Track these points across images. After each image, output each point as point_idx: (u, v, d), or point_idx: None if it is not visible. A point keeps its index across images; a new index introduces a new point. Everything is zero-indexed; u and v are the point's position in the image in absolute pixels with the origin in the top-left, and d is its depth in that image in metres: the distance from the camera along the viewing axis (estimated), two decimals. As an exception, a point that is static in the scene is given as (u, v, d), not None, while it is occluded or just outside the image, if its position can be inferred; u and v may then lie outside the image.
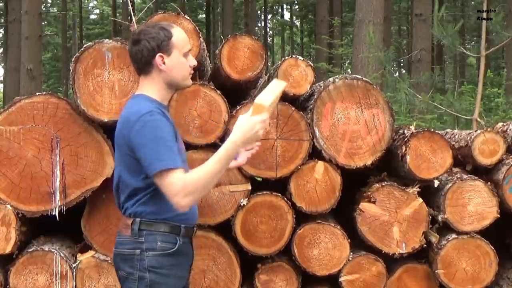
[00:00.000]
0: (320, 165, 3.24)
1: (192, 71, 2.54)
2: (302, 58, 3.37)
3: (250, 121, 2.32)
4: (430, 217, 3.35)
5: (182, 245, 2.43)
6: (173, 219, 2.41)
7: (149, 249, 2.37)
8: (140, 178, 2.38)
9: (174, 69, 2.45)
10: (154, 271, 2.37)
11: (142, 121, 2.31)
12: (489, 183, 3.43)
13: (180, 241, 2.42)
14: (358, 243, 3.36)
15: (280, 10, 34.16)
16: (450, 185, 3.38)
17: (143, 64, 2.45)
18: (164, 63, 2.43)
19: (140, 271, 2.37)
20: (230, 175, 3.16)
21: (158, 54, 2.42)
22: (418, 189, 3.35)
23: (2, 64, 24.63)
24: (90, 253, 3.11)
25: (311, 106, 3.24)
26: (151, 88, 2.48)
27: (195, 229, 2.57)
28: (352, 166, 3.27)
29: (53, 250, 3.06)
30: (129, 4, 16.63)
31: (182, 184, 2.24)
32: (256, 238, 3.19)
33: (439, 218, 3.38)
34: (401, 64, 25.47)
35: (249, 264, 3.30)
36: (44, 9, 21.49)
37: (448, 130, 4.26)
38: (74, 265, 3.06)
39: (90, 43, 3.09)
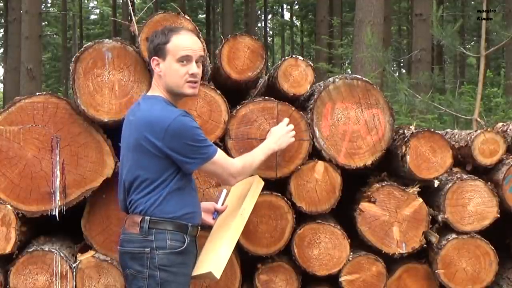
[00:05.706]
0: (320, 165, 3.24)
1: (194, 79, 2.51)
2: (302, 58, 3.36)
3: (282, 127, 2.94)
4: (430, 217, 3.35)
5: (189, 243, 2.47)
6: (181, 218, 2.44)
7: (160, 247, 2.40)
8: (164, 177, 2.42)
9: (167, 75, 2.49)
10: (165, 270, 2.39)
11: (176, 124, 2.39)
12: (489, 183, 3.43)
13: (188, 240, 2.46)
14: (358, 243, 3.36)
15: (280, 10, 34.13)
16: (450, 185, 3.38)
17: (149, 64, 2.57)
18: (158, 67, 2.49)
19: (150, 269, 2.39)
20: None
21: (153, 57, 2.49)
22: (418, 189, 3.35)
23: (2, 64, 24.59)
24: (90, 253, 3.11)
25: (311, 106, 3.24)
26: (158, 89, 2.54)
27: (199, 228, 2.59)
28: (352, 166, 3.27)
29: (53, 250, 3.06)
30: (129, 4, 16.61)
31: (241, 165, 2.62)
32: (256, 238, 3.18)
33: (439, 218, 3.37)
34: (401, 64, 25.46)
35: (249, 264, 3.29)
36: (44, 9, 21.49)
37: (448, 130, 4.25)
38: (74, 265, 3.06)
39: (90, 43, 3.09)
